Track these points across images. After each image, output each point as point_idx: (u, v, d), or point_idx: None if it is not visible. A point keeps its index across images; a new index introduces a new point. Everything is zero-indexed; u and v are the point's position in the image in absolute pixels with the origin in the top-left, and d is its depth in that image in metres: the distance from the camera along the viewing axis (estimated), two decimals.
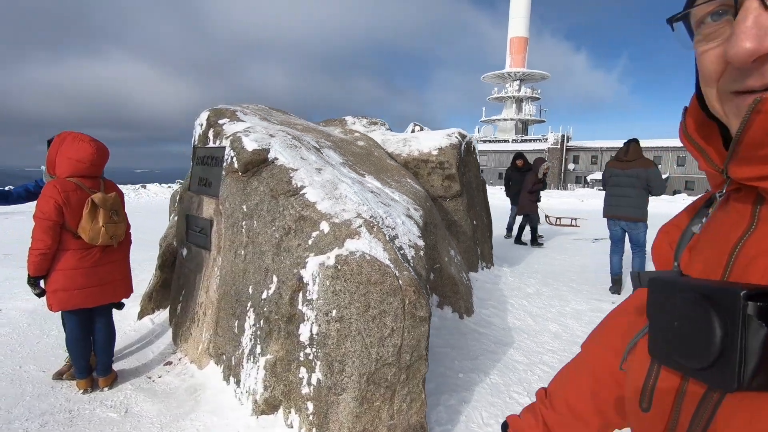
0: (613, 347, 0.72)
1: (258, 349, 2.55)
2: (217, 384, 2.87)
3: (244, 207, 2.90)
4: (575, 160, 50.60)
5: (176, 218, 4.23)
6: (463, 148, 4.94)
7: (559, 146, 47.60)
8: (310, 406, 2.24)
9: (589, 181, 45.40)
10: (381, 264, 2.24)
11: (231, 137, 3.17)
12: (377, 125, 5.30)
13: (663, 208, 9.34)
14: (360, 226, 2.48)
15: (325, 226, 2.48)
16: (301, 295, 2.39)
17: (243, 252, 2.84)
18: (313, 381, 2.24)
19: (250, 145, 2.99)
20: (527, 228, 8.22)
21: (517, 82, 72.57)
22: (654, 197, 5.43)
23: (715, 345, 0.41)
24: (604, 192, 5.27)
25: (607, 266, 5.31)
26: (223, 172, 3.13)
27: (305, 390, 2.28)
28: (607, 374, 0.73)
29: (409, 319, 2.15)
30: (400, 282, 2.20)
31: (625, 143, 5.03)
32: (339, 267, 2.26)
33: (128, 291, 3.06)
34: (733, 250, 0.50)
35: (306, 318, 2.32)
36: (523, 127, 70.82)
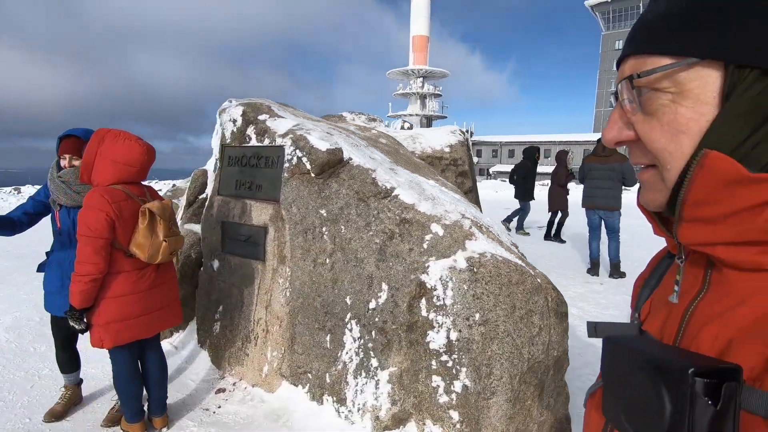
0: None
1: (373, 363, 2.39)
2: (304, 406, 2.63)
3: (323, 211, 2.68)
4: (478, 154, 54.46)
5: (189, 226, 3.74)
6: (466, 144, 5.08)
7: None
8: (455, 414, 2.17)
9: (491, 173, 49.21)
10: (515, 264, 2.25)
11: (290, 136, 2.89)
12: (376, 122, 5.20)
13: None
14: (471, 227, 2.46)
15: (437, 229, 2.41)
16: (424, 301, 2.30)
17: (328, 260, 2.63)
18: (456, 388, 2.17)
19: (320, 144, 2.76)
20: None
21: (421, 79, 75.73)
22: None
23: (665, 421, 0.41)
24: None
25: (575, 253, 5.89)
26: (285, 174, 2.85)
27: (443, 399, 2.21)
28: None
29: (553, 316, 2.19)
30: (539, 280, 2.23)
31: (599, 139, 5.59)
32: (475, 270, 2.22)
33: (180, 314, 2.64)
34: (685, 313, 0.53)
35: (437, 324, 2.24)
36: (428, 122, 74.09)
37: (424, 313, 2.30)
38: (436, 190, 2.90)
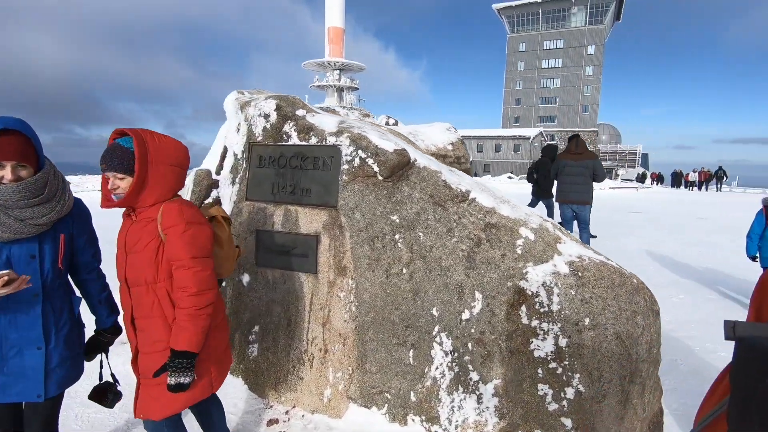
0: None
1: (473, 376, 2.27)
2: (383, 428, 2.43)
3: (394, 217, 2.48)
4: None
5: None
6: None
7: None
8: (568, 421, 2.15)
9: None
10: (613, 266, 2.27)
11: (346, 134, 2.62)
12: (370, 117, 4.96)
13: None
14: (555, 230, 2.44)
15: (527, 233, 2.35)
16: (524, 308, 2.23)
17: (405, 270, 2.44)
18: (568, 395, 2.15)
19: (385, 144, 2.55)
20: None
21: (337, 71, 75.28)
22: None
23: None
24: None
25: None
26: (344, 177, 2.58)
27: (553, 407, 2.17)
28: None
29: (652, 315, 2.26)
30: (635, 281, 2.28)
31: (571, 138, 5.97)
32: (580, 274, 2.20)
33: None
34: None
35: (541, 332, 2.19)
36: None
37: (525, 320, 2.23)
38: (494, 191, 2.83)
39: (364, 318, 2.52)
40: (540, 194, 8.18)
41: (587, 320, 2.15)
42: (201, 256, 1.68)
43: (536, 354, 2.20)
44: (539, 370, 2.19)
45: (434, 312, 2.37)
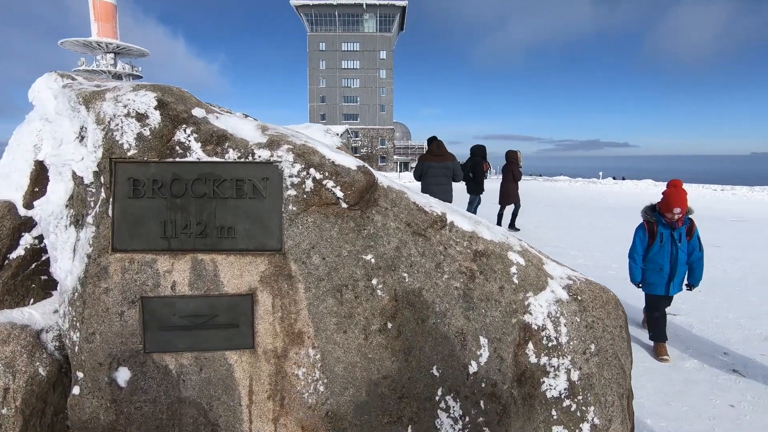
0: None
1: None
2: None
3: (369, 257, 1.87)
4: None
5: (6, 315, 1.90)
6: None
7: None
8: None
9: None
10: (593, 281, 2.19)
11: (285, 146, 1.86)
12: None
13: None
14: (531, 248, 2.25)
15: (516, 258, 2.08)
16: (531, 345, 1.96)
17: (391, 324, 1.87)
18: (584, 431, 1.97)
19: (345, 159, 1.91)
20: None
21: (112, 55, 63.91)
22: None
23: None
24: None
25: None
26: (290, 207, 1.82)
27: None
28: None
29: (625, 324, 2.25)
30: (611, 292, 2.25)
31: (431, 140, 6.09)
32: (579, 298, 2.03)
33: None
34: None
35: (551, 368, 1.95)
36: None
37: (533, 359, 1.96)
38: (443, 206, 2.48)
39: (339, 398, 1.84)
40: (478, 191, 8.60)
41: (593, 346, 2.01)
42: None
43: (549, 394, 1.95)
44: (553, 412, 1.95)
45: (434, 372, 1.88)
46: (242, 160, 1.83)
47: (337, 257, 1.85)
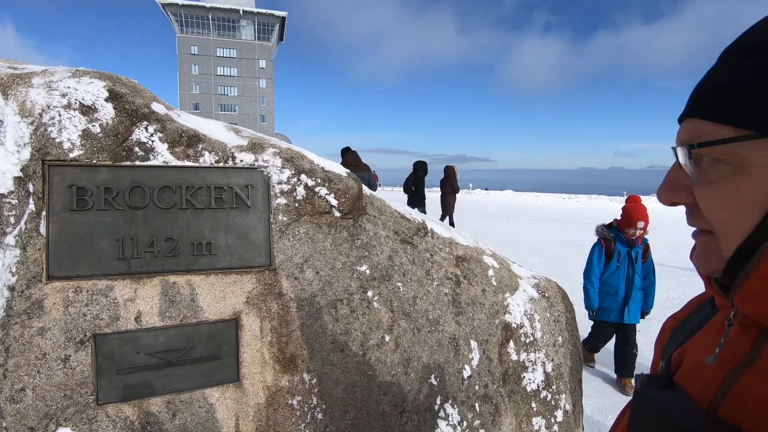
0: None
1: None
2: None
3: (363, 268, 1.78)
4: None
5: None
6: None
7: None
8: None
9: None
10: (552, 280, 2.39)
11: (271, 150, 1.68)
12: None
13: None
14: (494, 251, 2.37)
15: (491, 261, 2.17)
16: (512, 344, 2.06)
17: (389, 337, 1.79)
18: (558, 418, 2.11)
19: (334, 166, 1.79)
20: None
21: None
22: None
23: None
24: None
25: None
26: (281, 217, 1.64)
27: None
28: None
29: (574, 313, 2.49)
30: (557, 285, 2.46)
31: (345, 150, 6.04)
32: (546, 294, 2.20)
33: None
34: (726, 380, 0.48)
35: (529, 363, 2.07)
36: None
37: (514, 356, 2.06)
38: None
39: (340, 423, 1.69)
40: (420, 204, 9.23)
41: (560, 338, 2.18)
42: None
43: (528, 388, 2.07)
44: (533, 404, 2.07)
45: (433, 381, 1.85)
46: (221, 165, 1.60)
47: (332, 270, 1.72)
